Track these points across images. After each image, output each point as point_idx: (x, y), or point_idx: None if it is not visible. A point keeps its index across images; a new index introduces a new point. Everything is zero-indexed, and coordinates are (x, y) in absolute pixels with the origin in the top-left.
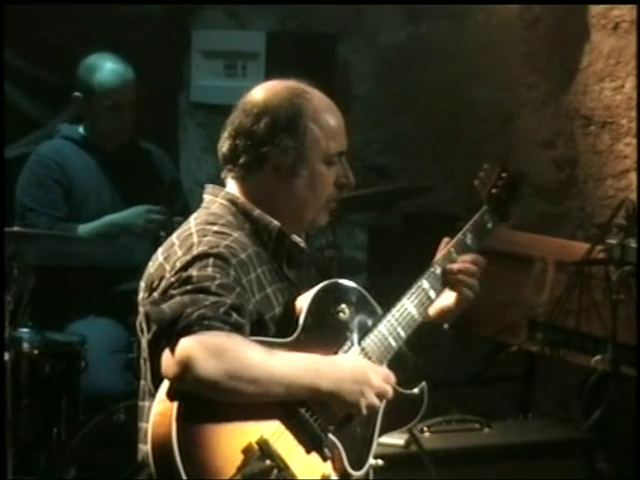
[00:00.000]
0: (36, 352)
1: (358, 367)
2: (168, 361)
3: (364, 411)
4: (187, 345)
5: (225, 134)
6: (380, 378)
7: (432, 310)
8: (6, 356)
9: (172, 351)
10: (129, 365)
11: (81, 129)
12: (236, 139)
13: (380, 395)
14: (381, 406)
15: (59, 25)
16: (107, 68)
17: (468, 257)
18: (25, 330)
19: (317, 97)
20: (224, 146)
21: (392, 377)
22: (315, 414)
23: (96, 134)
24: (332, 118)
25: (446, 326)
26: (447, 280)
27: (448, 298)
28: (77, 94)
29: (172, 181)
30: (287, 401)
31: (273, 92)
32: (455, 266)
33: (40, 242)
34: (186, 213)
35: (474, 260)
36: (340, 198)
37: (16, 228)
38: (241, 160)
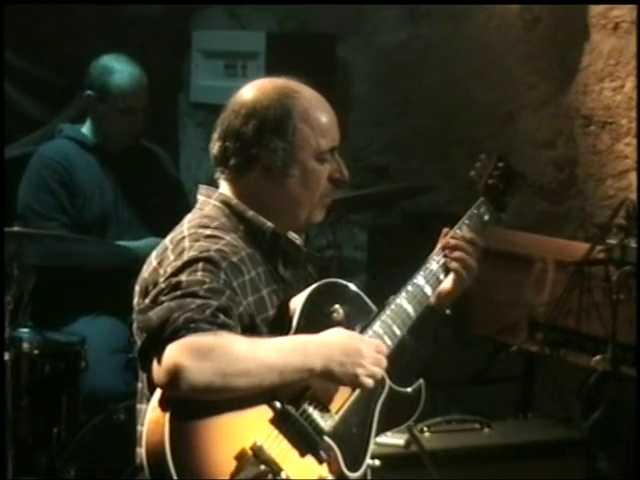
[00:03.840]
0: (36, 352)
1: (347, 340)
2: (157, 370)
3: (366, 382)
4: (173, 353)
5: (215, 135)
6: (372, 348)
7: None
8: (6, 356)
9: (160, 359)
10: (129, 365)
11: (84, 129)
12: (226, 141)
13: (375, 364)
14: (377, 406)
15: (59, 25)
16: (126, 71)
17: (466, 235)
18: (25, 330)
19: (306, 95)
20: (214, 148)
21: (383, 347)
22: (310, 417)
23: (104, 135)
24: (322, 115)
25: (448, 311)
26: (445, 261)
27: (445, 281)
28: (90, 92)
29: (175, 182)
30: (281, 405)
31: (262, 92)
32: (451, 242)
33: (40, 242)
34: (188, 212)
35: (471, 239)
36: (340, 198)
37: (16, 228)
38: (231, 162)
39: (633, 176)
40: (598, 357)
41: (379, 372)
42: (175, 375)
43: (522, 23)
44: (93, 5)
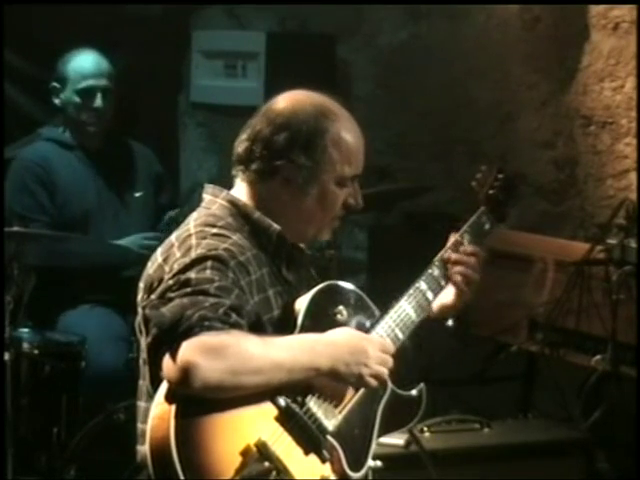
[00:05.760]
0: (36, 352)
1: (353, 339)
2: (170, 366)
3: (370, 382)
4: (187, 350)
5: (244, 135)
6: (377, 348)
7: (434, 307)
8: (6, 356)
9: (173, 356)
10: (130, 353)
11: (62, 129)
12: (253, 144)
13: (380, 364)
14: (379, 408)
15: (59, 25)
16: (80, 56)
17: (468, 248)
18: (25, 330)
19: (343, 118)
20: (240, 146)
21: (390, 346)
22: (314, 416)
23: (71, 126)
24: (353, 142)
25: (450, 322)
26: (446, 272)
27: (448, 293)
28: (54, 84)
29: (158, 176)
30: (286, 403)
31: (300, 106)
32: (453, 256)
33: (40, 242)
34: (173, 206)
35: (473, 252)
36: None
37: (16, 228)
38: (254, 166)
39: (633, 176)
40: (598, 357)
41: (384, 372)
42: (188, 372)
43: (522, 23)
44: (93, 5)
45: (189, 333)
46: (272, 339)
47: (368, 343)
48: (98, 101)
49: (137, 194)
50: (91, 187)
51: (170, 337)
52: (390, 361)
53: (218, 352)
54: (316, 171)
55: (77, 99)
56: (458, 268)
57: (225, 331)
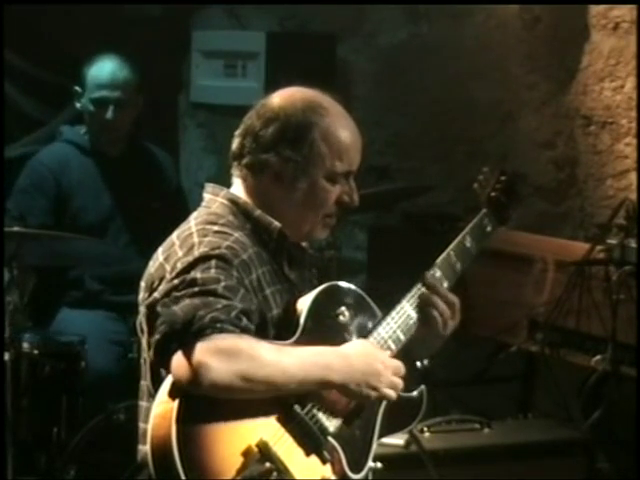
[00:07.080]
0: (36, 352)
1: (369, 359)
2: (181, 365)
3: (375, 400)
4: (201, 351)
5: (237, 131)
6: (390, 371)
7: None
8: (6, 356)
9: (185, 355)
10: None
11: (83, 131)
12: (244, 138)
13: (390, 387)
14: (380, 409)
15: (59, 25)
16: (99, 64)
17: (447, 297)
18: (25, 330)
19: (334, 113)
20: (234, 143)
21: (402, 369)
22: (315, 417)
23: (88, 132)
24: (345, 137)
25: (425, 363)
26: (420, 305)
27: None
28: (76, 88)
29: (173, 188)
30: (288, 403)
31: (290, 101)
32: (432, 299)
33: (40, 242)
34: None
35: (450, 302)
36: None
37: (16, 228)
38: (244, 160)
39: (633, 176)
40: (598, 357)
41: (392, 395)
42: (199, 373)
43: (522, 23)
44: (93, 5)
45: (201, 334)
46: (285, 348)
47: (383, 366)
48: (109, 113)
49: (154, 204)
50: (106, 194)
51: (182, 336)
52: (400, 385)
53: (230, 355)
54: (304, 166)
55: (91, 108)
56: (435, 312)
57: (237, 335)
